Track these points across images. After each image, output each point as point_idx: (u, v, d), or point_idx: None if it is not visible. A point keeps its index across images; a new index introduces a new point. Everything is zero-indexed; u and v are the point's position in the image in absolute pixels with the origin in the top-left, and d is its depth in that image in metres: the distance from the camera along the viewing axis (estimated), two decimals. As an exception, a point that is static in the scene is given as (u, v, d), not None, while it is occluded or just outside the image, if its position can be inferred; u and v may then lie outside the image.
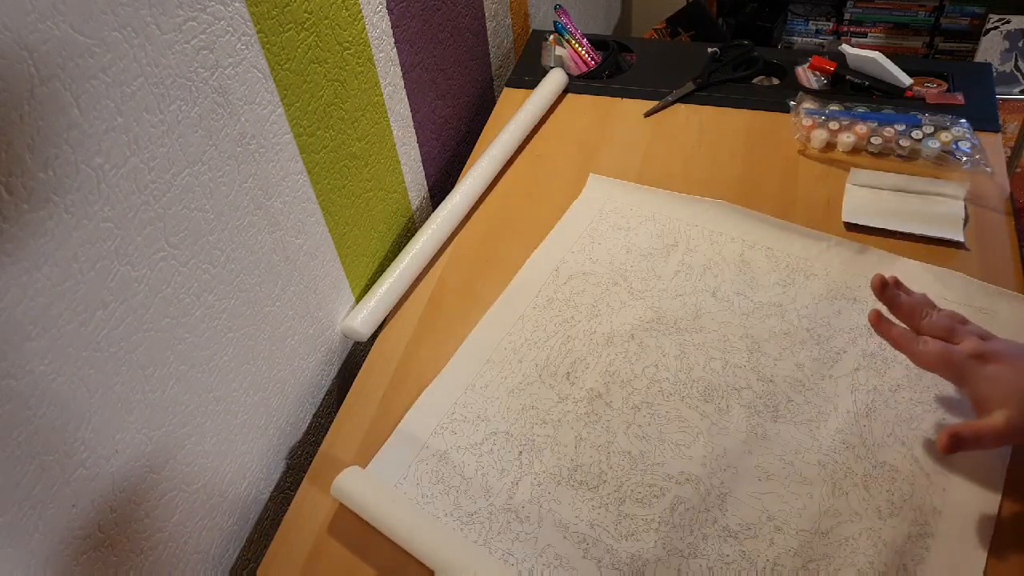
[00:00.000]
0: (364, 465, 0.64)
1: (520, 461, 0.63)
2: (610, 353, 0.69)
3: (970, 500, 0.57)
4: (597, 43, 1.03)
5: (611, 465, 0.62)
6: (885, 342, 0.62)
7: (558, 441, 0.64)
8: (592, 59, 1.01)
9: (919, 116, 0.84)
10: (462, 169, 0.90)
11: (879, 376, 0.64)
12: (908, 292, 0.61)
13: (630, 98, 0.96)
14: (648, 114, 0.94)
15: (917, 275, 0.71)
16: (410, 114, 0.83)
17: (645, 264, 0.76)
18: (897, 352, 0.62)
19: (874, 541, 0.55)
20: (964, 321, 0.59)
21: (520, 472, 0.62)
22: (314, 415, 0.74)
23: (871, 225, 0.76)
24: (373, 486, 0.61)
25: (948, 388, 0.63)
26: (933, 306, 0.60)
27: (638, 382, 0.67)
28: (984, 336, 0.58)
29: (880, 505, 0.57)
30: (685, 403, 0.65)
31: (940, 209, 0.77)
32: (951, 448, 0.55)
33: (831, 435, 0.61)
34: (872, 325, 0.61)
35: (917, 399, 0.63)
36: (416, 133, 0.85)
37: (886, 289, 0.60)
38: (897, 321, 0.61)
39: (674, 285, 0.74)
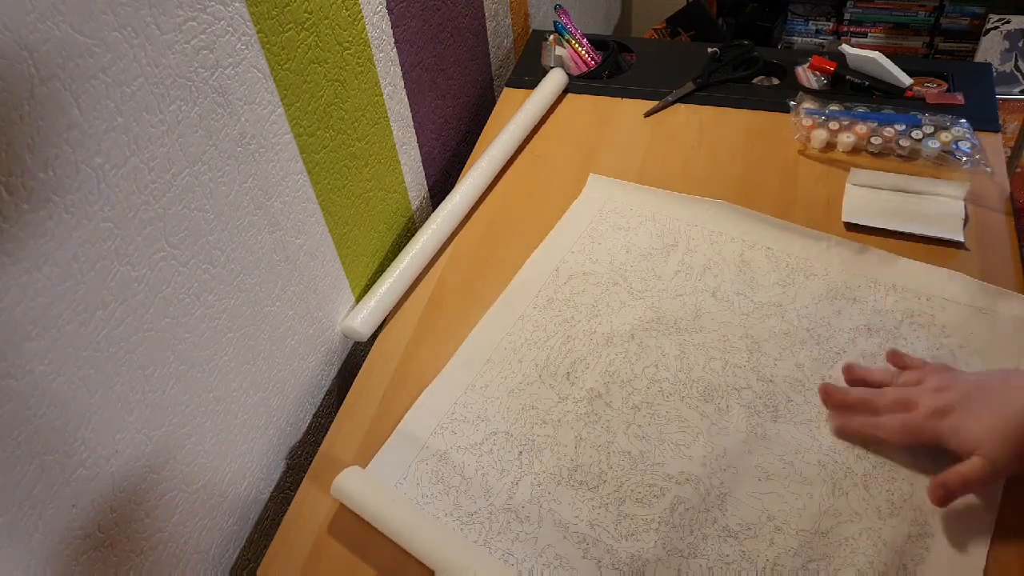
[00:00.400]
0: (364, 465, 0.64)
1: (520, 461, 0.63)
2: (610, 353, 0.69)
3: (970, 500, 0.56)
4: (597, 43, 1.03)
5: (611, 465, 0.62)
6: (884, 342, 0.65)
7: (558, 441, 0.64)
8: (592, 59, 1.01)
9: (919, 116, 0.84)
10: (462, 169, 0.90)
11: None
12: (864, 372, 0.62)
13: (630, 98, 0.96)
14: (648, 114, 0.94)
15: (917, 275, 0.71)
16: (410, 114, 0.83)
17: (645, 264, 0.76)
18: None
19: (874, 541, 0.55)
20: (919, 380, 0.59)
21: (520, 472, 0.62)
22: (314, 415, 0.74)
23: (871, 225, 0.76)
24: (373, 486, 0.61)
25: None
26: (886, 380, 0.61)
27: (638, 382, 0.67)
28: (940, 384, 0.57)
29: (880, 505, 0.57)
30: (685, 403, 0.65)
31: (940, 209, 0.77)
32: (943, 501, 0.54)
33: (831, 435, 0.61)
34: (836, 434, 0.61)
35: None
36: (416, 133, 0.85)
37: (831, 396, 0.62)
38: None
39: (674, 285, 0.74)
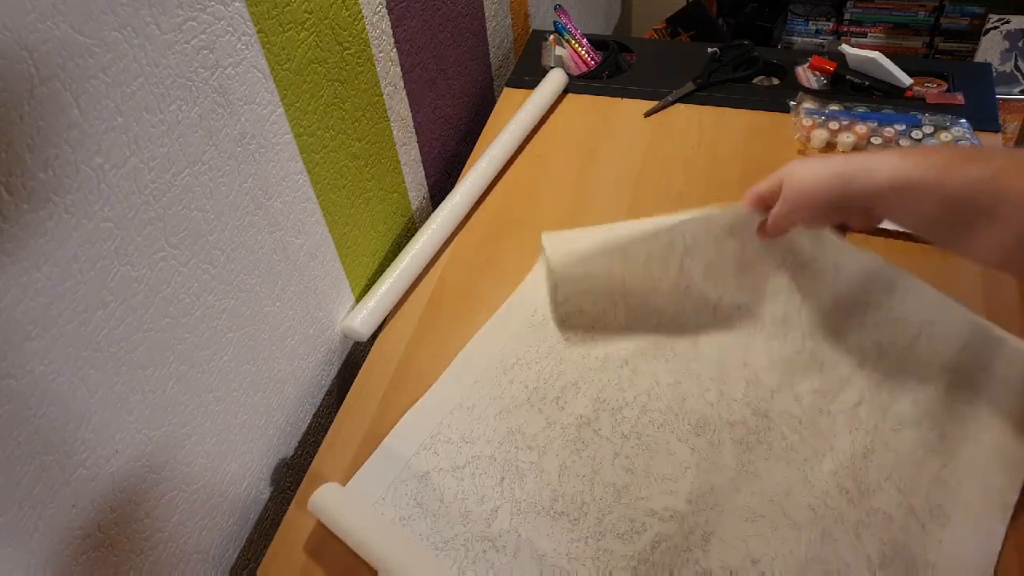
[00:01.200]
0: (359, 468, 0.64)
1: (502, 487, 0.61)
2: (602, 378, 0.67)
3: (967, 554, 0.53)
4: (597, 43, 1.03)
5: (594, 497, 0.60)
6: (891, 370, 0.63)
7: (542, 468, 0.62)
8: (592, 59, 1.01)
9: (919, 116, 0.84)
10: (462, 169, 0.90)
11: (882, 413, 0.61)
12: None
13: (630, 98, 0.96)
14: (648, 114, 0.94)
15: (927, 301, 0.65)
16: (410, 114, 0.83)
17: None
18: (905, 384, 0.62)
19: None
20: None
21: (501, 499, 0.60)
22: (314, 415, 0.74)
23: (871, 225, 0.76)
24: (349, 508, 0.59)
25: (955, 430, 0.59)
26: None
27: (628, 410, 0.65)
28: None
29: (871, 554, 0.54)
30: (675, 435, 0.62)
31: (940, 209, 0.76)
32: (763, 233, 0.65)
33: (825, 477, 0.59)
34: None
35: (920, 441, 0.59)
36: (416, 133, 0.85)
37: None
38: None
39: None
